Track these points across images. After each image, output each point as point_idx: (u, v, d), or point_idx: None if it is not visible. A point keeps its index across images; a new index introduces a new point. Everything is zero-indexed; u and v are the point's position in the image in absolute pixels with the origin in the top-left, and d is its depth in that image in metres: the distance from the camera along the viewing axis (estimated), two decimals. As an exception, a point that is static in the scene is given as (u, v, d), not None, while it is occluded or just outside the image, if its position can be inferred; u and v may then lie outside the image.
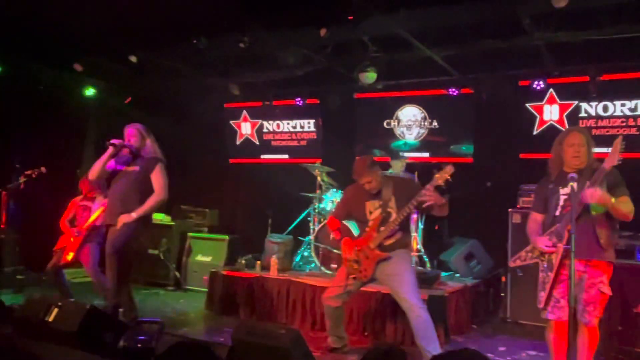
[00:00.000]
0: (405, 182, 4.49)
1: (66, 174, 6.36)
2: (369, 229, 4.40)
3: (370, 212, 4.44)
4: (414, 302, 4.15)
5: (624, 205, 3.51)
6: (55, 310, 3.34)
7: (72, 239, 5.90)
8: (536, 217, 3.92)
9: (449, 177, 4.02)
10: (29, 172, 7.14)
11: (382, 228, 4.30)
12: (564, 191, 3.65)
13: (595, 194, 3.38)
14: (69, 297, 5.90)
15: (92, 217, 5.95)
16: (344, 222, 4.77)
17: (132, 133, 5.08)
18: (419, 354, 4.18)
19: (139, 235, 5.09)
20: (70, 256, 5.86)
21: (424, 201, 4.10)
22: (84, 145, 8.45)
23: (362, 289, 4.73)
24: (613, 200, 3.44)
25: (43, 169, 7.13)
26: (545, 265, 3.72)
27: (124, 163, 5.09)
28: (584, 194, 3.42)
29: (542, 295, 3.70)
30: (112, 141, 4.98)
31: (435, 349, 4.07)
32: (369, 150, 7.82)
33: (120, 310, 4.97)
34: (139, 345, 3.13)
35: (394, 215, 4.29)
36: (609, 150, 3.46)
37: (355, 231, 4.69)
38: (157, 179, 5.00)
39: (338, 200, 6.50)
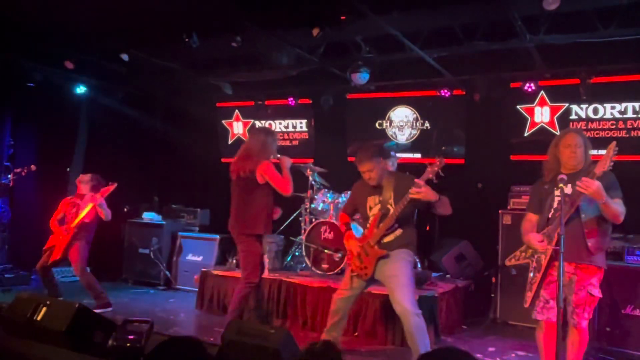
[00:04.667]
0: (404, 178, 4.42)
1: (56, 172, 6.32)
2: (369, 225, 4.37)
3: (370, 208, 4.41)
4: (408, 308, 4.08)
5: (616, 206, 3.54)
6: (44, 309, 3.30)
7: (61, 237, 5.88)
8: (531, 218, 3.93)
9: (439, 170, 3.99)
10: (18, 170, 7.11)
11: (381, 224, 4.25)
12: (558, 193, 3.66)
13: (591, 185, 3.39)
14: (58, 296, 5.88)
15: (82, 214, 5.92)
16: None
17: None
18: (410, 354, 4.19)
19: None
20: (58, 254, 5.84)
21: (417, 198, 4.02)
22: (75, 143, 8.40)
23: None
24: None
25: (33, 167, 7.10)
26: (534, 266, 3.75)
27: None
28: (580, 183, 3.43)
29: (529, 295, 3.75)
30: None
31: (427, 350, 4.09)
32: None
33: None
34: (128, 344, 3.11)
35: (392, 211, 4.25)
36: (599, 152, 3.49)
37: (357, 233, 4.66)
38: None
39: (329, 200, 6.53)
